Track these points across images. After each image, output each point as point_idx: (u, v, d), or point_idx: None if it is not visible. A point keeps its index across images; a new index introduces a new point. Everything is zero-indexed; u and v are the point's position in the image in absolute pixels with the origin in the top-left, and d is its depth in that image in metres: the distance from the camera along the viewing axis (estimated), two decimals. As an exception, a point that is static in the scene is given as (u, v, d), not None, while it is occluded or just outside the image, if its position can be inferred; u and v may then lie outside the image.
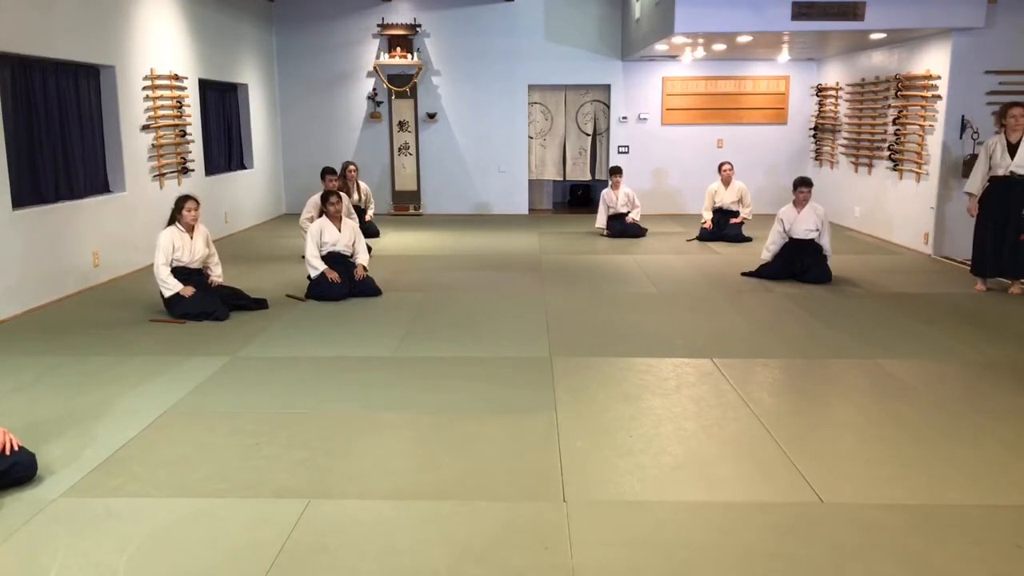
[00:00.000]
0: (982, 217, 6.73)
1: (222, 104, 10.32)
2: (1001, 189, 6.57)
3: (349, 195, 9.04)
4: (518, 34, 11.73)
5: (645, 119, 12.00)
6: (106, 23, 7.37)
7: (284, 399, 4.27)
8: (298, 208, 10.56)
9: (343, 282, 6.54)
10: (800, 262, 7.20)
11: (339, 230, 6.76)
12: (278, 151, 12.05)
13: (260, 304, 6.21)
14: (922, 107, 8.57)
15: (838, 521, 2.96)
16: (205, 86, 9.65)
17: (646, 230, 9.92)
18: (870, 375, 4.66)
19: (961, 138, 8.18)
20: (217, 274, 6.30)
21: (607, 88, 12.02)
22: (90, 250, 7.04)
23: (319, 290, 6.50)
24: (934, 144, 8.40)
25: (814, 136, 11.68)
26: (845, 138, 10.64)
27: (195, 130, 9.17)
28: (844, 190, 10.68)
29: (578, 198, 13.25)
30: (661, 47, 9.69)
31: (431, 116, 11.94)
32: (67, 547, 2.80)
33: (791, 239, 7.31)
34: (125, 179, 7.68)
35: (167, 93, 8.47)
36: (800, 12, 7.78)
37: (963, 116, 8.15)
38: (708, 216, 9.61)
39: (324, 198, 6.93)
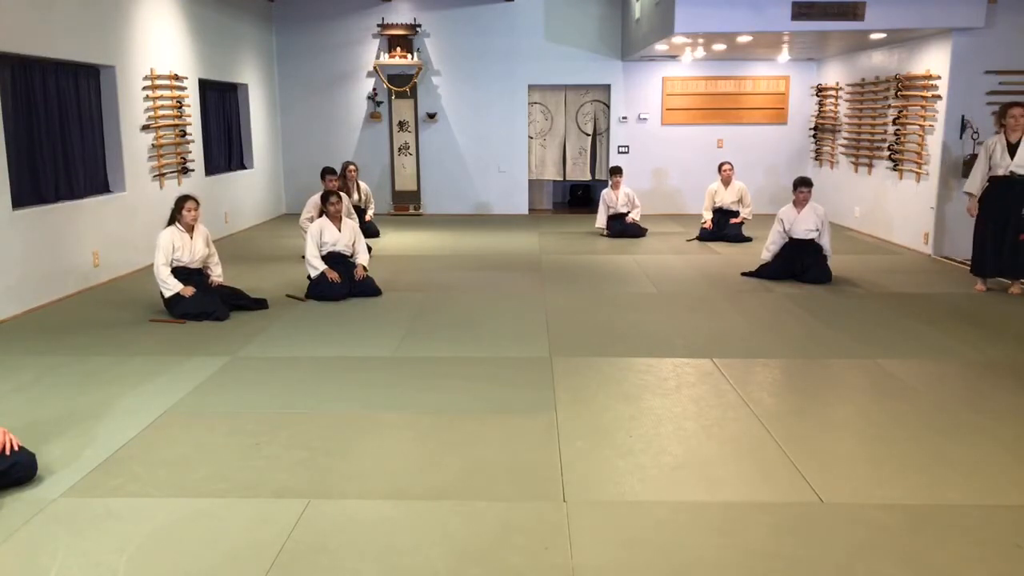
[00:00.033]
0: (982, 217, 6.73)
1: (222, 104, 10.32)
2: (1001, 189, 6.57)
3: (349, 195, 9.04)
4: (518, 34, 11.73)
5: (645, 119, 12.00)
6: (106, 23, 7.37)
7: (284, 399, 4.27)
8: (298, 208, 10.56)
9: (343, 282, 6.54)
10: (800, 262, 7.20)
11: (339, 230, 6.76)
12: (278, 151, 12.05)
13: (260, 304, 6.22)
14: (922, 107, 8.57)
15: (838, 521, 2.96)
16: (205, 86, 9.65)
17: (646, 230, 9.92)
18: (870, 375, 4.66)
19: (961, 138, 8.18)
20: (217, 274, 6.30)
21: (607, 88, 12.03)
22: (90, 250, 7.05)
23: (319, 290, 6.50)
24: (934, 144, 8.40)
25: (814, 136, 11.68)
26: (845, 138, 10.64)
27: (195, 130, 9.17)
28: (844, 190, 10.68)
29: (578, 198, 13.25)
30: (661, 47, 9.69)
31: (431, 116, 11.94)
32: (67, 547, 2.80)
33: (791, 239, 7.31)
34: (125, 179, 7.68)
35: (167, 93, 8.47)
36: (800, 12, 7.78)
37: (963, 116, 8.15)
38: (708, 216, 9.61)
39: (324, 198, 6.93)
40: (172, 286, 5.89)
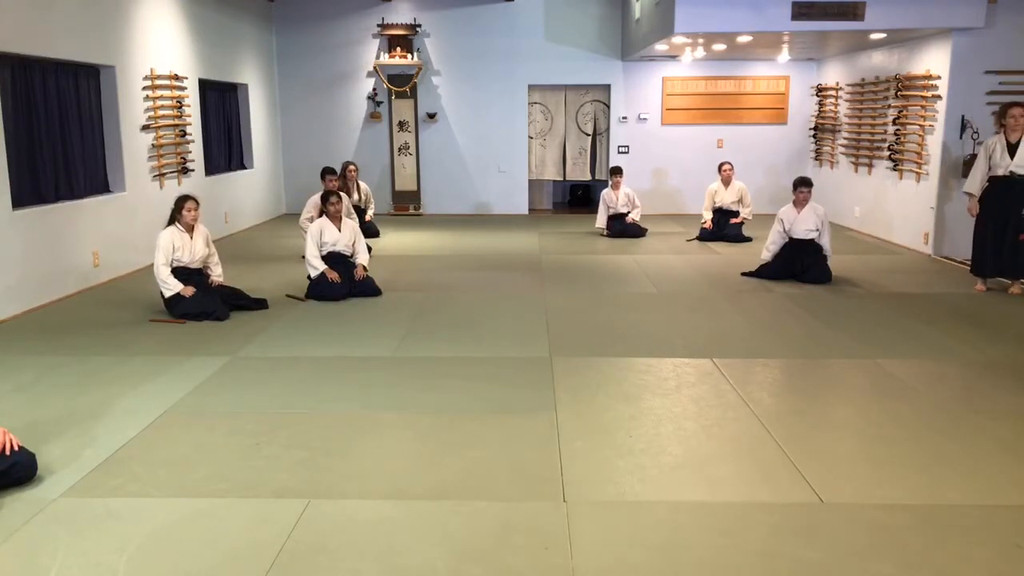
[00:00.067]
0: (982, 217, 6.73)
1: (222, 104, 10.32)
2: (1001, 189, 6.57)
3: (349, 195, 9.04)
4: (518, 34, 11.73)
5: (645, 119, 12.00)
6: (106, 23, 7.37)
7: (284, 399, 4.27)
8: (298, 208, 10.56)
9: (343, 282, 6.54)
10: (800, 262, 7.20)
11: (339, 230, 6.76)
12: (278, 151, 12.05)
13: (260, 304, 6.22)
14: (922, 107, 8.57)
15: (838, 521, 2.96)
16: (205, 86, 9.65)
17: (646, 230, 9.92)
18: (870, 375, 4.66)
19: (961, 138, 8.18)
20: (217, 274, 6.30)
21: (607, 88, 12.03)
22: (90, 250, 7.05)
23: (319, 290, 6.50)
24: (934, 144, 8.40)
25: (814, 136, 11.68)
26: (845, 138, 10.64)
27: (195, 130, 9.17)
28: (844, 190, 10.68)
29: (578, 198, 13.25)
30: (661, 47, 9.69)
31: (431, 116, 11.94)
32: (67, 547, 2.80)
33: (791, 239, 7.31)
34: (125, 179, 7.68)
35: (167, 93, 8.47)
36: (800, 12, 7.78)
37: (963, 116, 8.15)
38: (708, 216, 9.61)
39: (324, 198, 6.93)
40: (172, 286, 5.89)
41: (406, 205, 12.14)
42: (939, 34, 8.30)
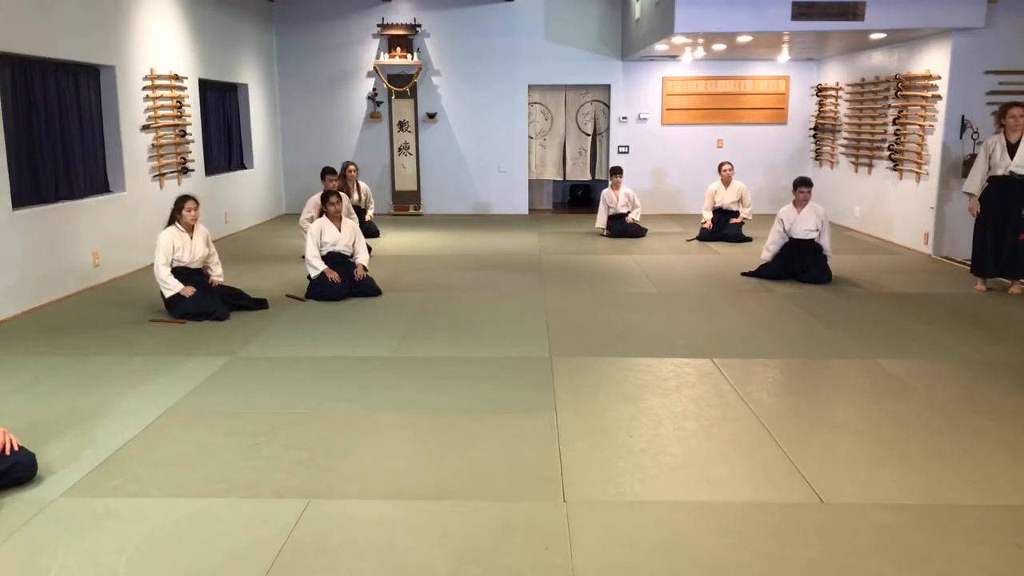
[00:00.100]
0: (982, 217, 6.73)
1: (222, 104, 10.32)
2: (1001, 189, 6.57)
3: (349, 195, 9.04)
4: (518, 34, 11.73)
5: (645, 119, 12.00)
6: (106, 23, 7.37)
7: (284, 399, 4.27)
8: (298, 208, 10.56)
9: (343, 282, 6.54)
10: (800, 262, 7.20)
11: (339, 230, 6.76)
12: (278, 151, 12.05)
13: (260, 304, 6.22)
14: (922, 107, 8.57)
15: (838, 521, 2.96)
16: (205, 86, 9.65)
17: (646, 230, 9.92)
18: (870, 375, 4.66)
19: (961, 138, 8.18)
20: (217, 274, 6.30)
21: (607, 88, 12.03)
22: (90, 250, 7.05)
23: (319, 290, 6.50)
24: (934, 144, 8.40)
25: (814, 136, 11.68)
26: (845, 138, 10.64)
27: (195, 130, 9.17)
28: (844, 190, 10.68)
29: (578, 198, 13.25)
30: (661, 47, 9.69)
31: (431, 116, 11.94)
32: (67, 547, 2.80)
33: (791, 239, 7.31)
34: (125, 179, 7.68)
35: (167, 93, 8.47)
36: (800, 12, 7.78)
37: (963, 116, 8.15)
38: (708, 216, 9.62)
39: (324, 198, 6.93)
40: (172, 286, 5.89)
41: (406, 205, 12.14)
42: (939, 34, 8.30)
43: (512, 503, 3.11)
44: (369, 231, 9.03)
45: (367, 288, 6.65)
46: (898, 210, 9.24)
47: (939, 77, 8.30)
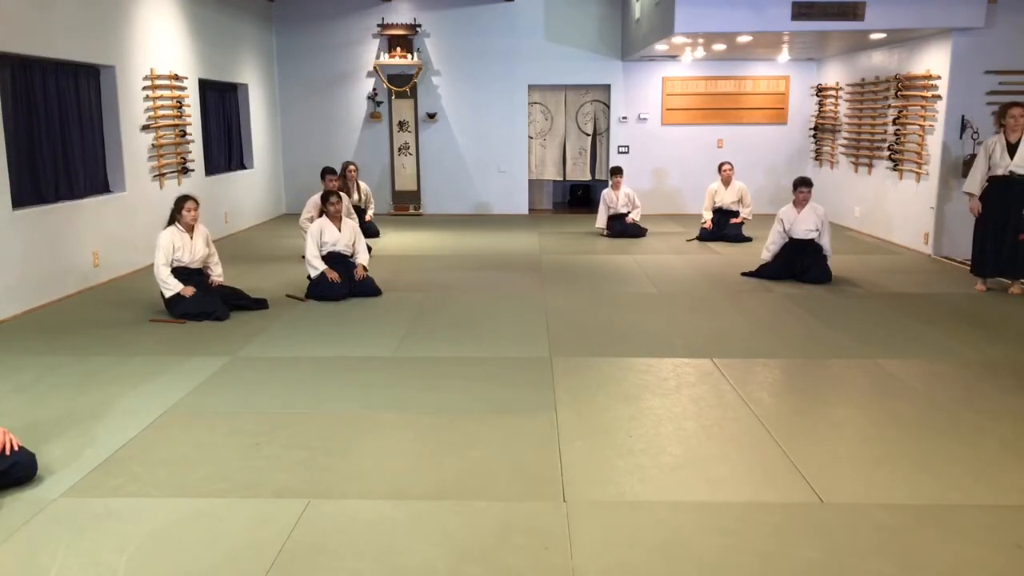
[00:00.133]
0: (982, 217, 6.73)
1: (222, 104, 10.32)
2: (1001, 189, 6.57)
3: (349, 195, 9.04)
4: (518, 34, 11.73)
5: (645, 119, 12.00)
6: (106, 23, 7.37)
7: (284, 399, 4.27)
8: (298, 208, 10.56)
9: (343, 282, 6.54)
10: (800, 262, 7.20)
11: (339, 230, 6.76)
12: (278, 151, 12.05)
13: (260, 304, 6.22)
14: (922, 107, 8.57)
15: (838, 521, 2.96)
16: (205, 86, 9.65)
17: (646, 230, 9.92)
18: (870, 375, 4.66)
19: (961, 138, 8.18)
20: (217, 274, 6.30)
21: (607, 88, 12.03)
22: (90, 250, 7.05)
23: (319, 290, 6.50)
24: (934, 144, 8.40)
25: (814, 136, 11.68)
26: (845, 138, 10.64)
27: (195, 130, 9.17)
28: (844, 190, 10.68)
29: (578, 198, 13.25)
30: (661, 47, 9.69)
31: (431, 116, 11.94)
32: (67, 547, 2.80)
33: (791, 239, 7.31)
34: (125, 179, 7.68)
35: (167, 93, 8.47)
36: (800, 12, 7.78)
37: (963, 116, 8.15)
38: (708, 216, 9.62)
39: (324, 198, 6.93)
40: (172, 286, 5.89)
41: (406, 205, 12.14)
42: (939, 34, 8.30)
43: (512, 503, 3.11)
44: (369, 231, 9.03)
45: (367, 288, 6.65)
46: (898, 210, 9.24)
47: (939, 77, 8.30)
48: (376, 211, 10.50)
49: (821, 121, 11.37)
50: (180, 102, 8.72)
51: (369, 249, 7.25)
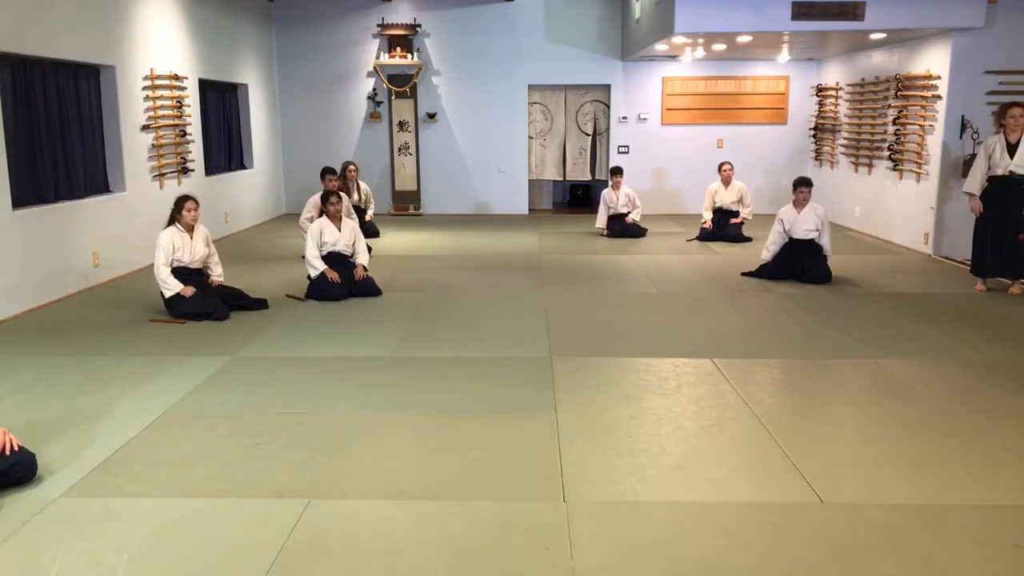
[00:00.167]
0: (982, 217, 6.73)
1: (222, 104, 10.32)
2: (1000, 189, 6.57)
3: (349, 195, 9.04)
4: (518, 34, 11.73)
5: (645, 119, 12.00)
6: (106, 23, 7.37)
7: (284, 399, 4.27)
8: (298, 208, 10.56)
9: (343, 282, 6.54)
10: (800, 262, 7.20)
11: (339, 230, 6.76)
12: (278, 151, 12.05)
13: (260, 304, 6.22)
14: (922, 107, 8.57)
15: (838, 521, 2.96)
16: (205, 86, 9.65)
17: (646, 230, 9.92)
18: (870, 375, 4.66)
19: (961, 138, 8.18)
20: (217, 274, 6.30)
21: (607, 88, 12.02)
22: (90, 250, 7.05)
23: (319, 290, 6.50)
24: (934, 144, 8.40)
25: (814, 136, 11.68)
26: (845, 138, 10.64)
27: (195, 130, 9.17)
28: (844, 190, 10.68)
29: (578, 198, 13.25)
30: (661, 47, 9.69)
31: (431, 116, 11.94)
32: (67, 547, 2.80)
33: (791, 239, 7.31)
34: (125, 179, 7.68)
35: (167, 93, 8.47)
36: (800, 12, 7.78)
37: (963, 116, 8.15)
38: (708, 216, 9.62)
39: (324, 198, 6.93)
40: (172, 286, 5.89)
41: (406, 205, 12.14)
42: (939, 34, 8.30)
43: (512, 503, 3.11)
44: (369, 231, 9.03)
45: (367, 288, 6.65)
46: (898, 210, 9.24)
47: (939, 77, 8.30)
48: (376, 211, 10.50)
49: (821, 121, 11.37)
50: (180, 102, 8.72)
51: (369, 249, 7.25)
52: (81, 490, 3.22)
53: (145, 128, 8.03)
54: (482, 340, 5.38)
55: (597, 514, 3.02)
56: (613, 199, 9.83)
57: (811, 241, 7.26)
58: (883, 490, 3.21)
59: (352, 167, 9.46)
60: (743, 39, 8.91)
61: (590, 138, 12.34)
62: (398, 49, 11.62)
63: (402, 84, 11.74)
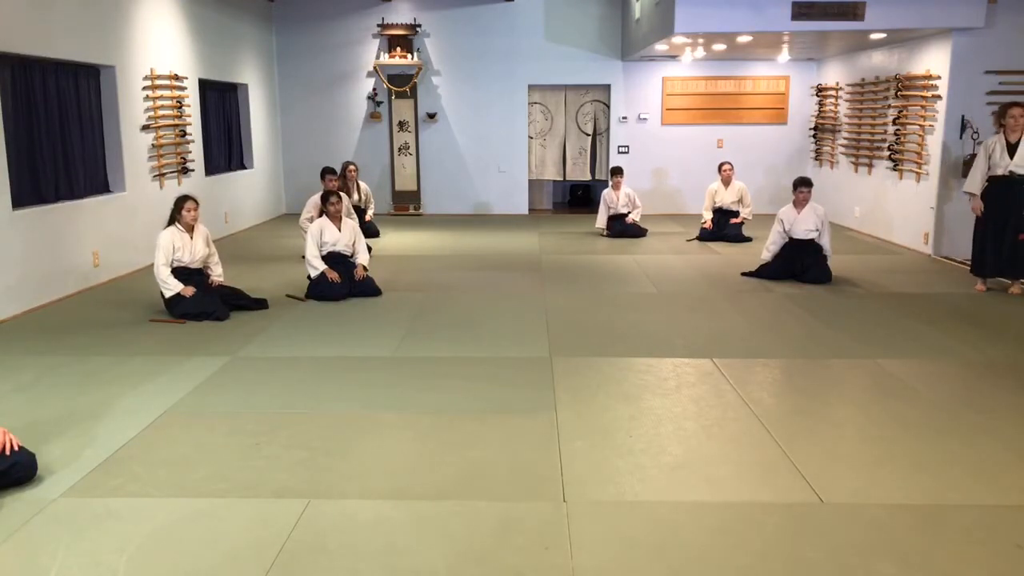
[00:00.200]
0: (982, 217, 6.73)
1: (222, 104, 10.32)
2: (1001, 189, 6.57)
3: (349, 195, 9.04)
4: (518, 34, 11.73)
5: (645, 119, 12.00)
6: (106, 23, 7.37)
7: (284, 399, 4.27)
8: (298, 208, 10.56)
9: (343, 282, 6.54)
10: (800, 262, 7.20)
11: (339, 230, 6.76)
12: (278, 151, 12.05)
13: (260, 304, 6.22)
14: (922, 107, 8.57)
15: (838, 521, 2.96)
16: (205, 86, 9.65)
17: (646, 230, 9.92)
18: (870, 375, 4.66)
19: (961, 138, 8.18)
20: (217, 274, 6.30)
21: (607, 88, 12.03)
22: (90, 250, 7.05)
23: (319, 290, 6.50)
24: (934, 144, 8.40)
25: (814, 136, 11.68)
26: (845, 138, 10.64)
27: (195, 130, 9.17)
28: (844, 190, 10.68)
29: (578, 198, 13.25)
30: (661, 47, 9.69)
31: (431, 116, 11.94)
32: (67, 547, 2.80)
33: (791, 239, 7.31)
34: (125, 179, 7.68)
35: (167, 93, 8.47)
36: (800, 12, 7.78)
37: (963, 116, 8.15)
38: (708, 216, 9.62)
39: (324, 198, 6.93)
40: (172, 286, 5.89)
41: (406, 205, 12.14)
42: (939, 34, 8.30)
43: (512, 503, 3.11)
44: (369, 231, 9.03)
45: (367, 288, 6.65)
46: (898, 210, 9.24)
47: (939, 77, 8.30)
48: (376, 211, 10.51)
49: (821, 121, 11.37)
50: (180, 102, 8.72)
51: (369, 249, 7.25)
52: (81, 490, 3.22)
53: (145, 128, 8.03)
54: (482, 340, 5.38)
55: (597, 514, 3.02)
56: (613, 199, 9.83)
57: (811, 241, 7.26)
58: (883, 490, 3.21)
59: (352, 167, 9.46)
60: (743, 39, 8.91)
61: (590, 138, 12.34)
62: (398, 49, 11.62)
63: (402, 84, 11.74)
